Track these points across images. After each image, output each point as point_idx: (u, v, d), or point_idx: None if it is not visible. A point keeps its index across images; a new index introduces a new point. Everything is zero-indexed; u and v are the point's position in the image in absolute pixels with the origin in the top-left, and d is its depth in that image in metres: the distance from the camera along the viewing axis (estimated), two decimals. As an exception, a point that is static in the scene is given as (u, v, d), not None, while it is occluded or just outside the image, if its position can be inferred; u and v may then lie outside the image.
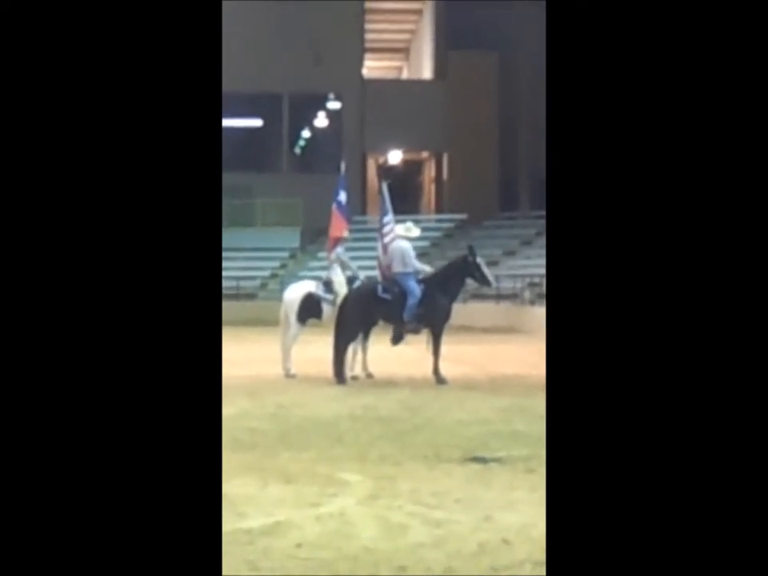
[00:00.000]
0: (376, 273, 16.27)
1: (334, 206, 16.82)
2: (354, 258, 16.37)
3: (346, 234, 16.28)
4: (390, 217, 16.45)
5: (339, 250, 15.95)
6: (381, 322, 15.08)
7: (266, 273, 41.07)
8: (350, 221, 16.67)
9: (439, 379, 14.18)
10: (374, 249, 17.01)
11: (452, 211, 43.97)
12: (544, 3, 4.97)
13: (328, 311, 15.34)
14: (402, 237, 15.19)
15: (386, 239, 15.96)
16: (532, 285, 33.08)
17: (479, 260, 14.96)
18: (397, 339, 14.83)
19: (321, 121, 45.71)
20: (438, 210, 46.20)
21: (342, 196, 16.96)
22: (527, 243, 40.16)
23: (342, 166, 18.12)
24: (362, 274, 15.98)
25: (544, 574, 4.17)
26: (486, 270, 15.16)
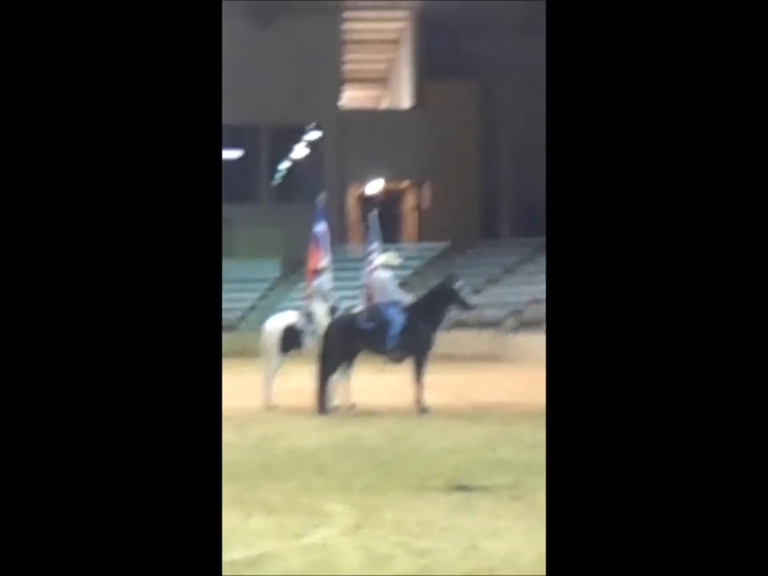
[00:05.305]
0: (359, 302, 16.20)
1: (311, 238, 16.75)
2: (335, 289, 16.29)
3: (323, 264, 16.18)
4: (376, 245, 16.41)
5: (319, 280, 15.87)
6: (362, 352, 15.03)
7: (247, 304, 40.99)
8: (327, 251, 16.56)
9: (422, 408, 14.12)
10: (355, 279, 16.95)
11: (434, 240, 43.98)
12: (524, 32, 4.97)
13: (309, 342, 15.30)
14: (383, 266, 15.17)
15: (371, 267, 15.94)
16: (515, 312, 33.11)
17: (457, 285, 14.97)
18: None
19: (300, 151, 45.74)
20: (420, 239, 46.21)
21: (320, 227, 16.81)
22: (510, 271, 40.20)
23: (322, 197, 18.00)
24: (344, 305, 15.91)
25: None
26: (464, 295, 15.18)
